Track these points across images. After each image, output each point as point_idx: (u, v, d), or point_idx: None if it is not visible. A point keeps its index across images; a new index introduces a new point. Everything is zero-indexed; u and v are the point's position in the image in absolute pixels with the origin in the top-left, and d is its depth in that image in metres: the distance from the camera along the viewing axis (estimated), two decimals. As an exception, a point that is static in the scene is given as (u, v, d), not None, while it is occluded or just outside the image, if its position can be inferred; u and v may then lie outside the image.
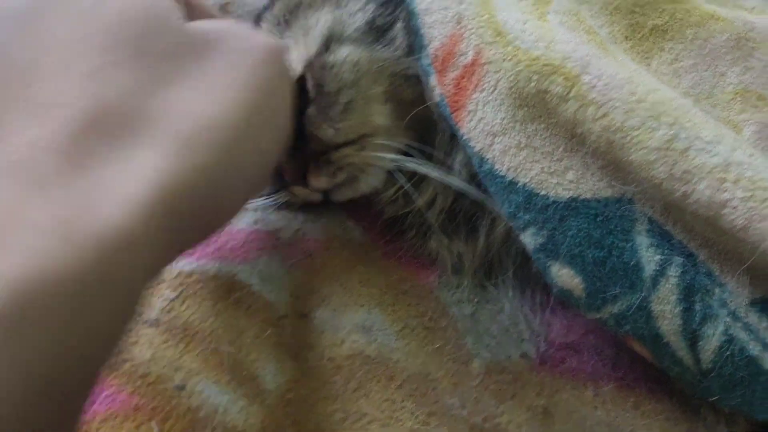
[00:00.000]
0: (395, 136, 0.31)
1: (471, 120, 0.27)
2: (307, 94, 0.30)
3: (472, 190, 0.29)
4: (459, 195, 0.31)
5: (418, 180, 0.31)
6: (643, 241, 0.24)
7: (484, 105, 0.26)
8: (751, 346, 0.23)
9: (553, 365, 0.29)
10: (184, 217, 0.17)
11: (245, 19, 0.36)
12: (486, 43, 0.26)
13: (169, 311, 0.26)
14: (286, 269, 0.30)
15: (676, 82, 0.27)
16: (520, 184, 0.26)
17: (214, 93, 0.19)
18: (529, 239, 0.26)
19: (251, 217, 0.32)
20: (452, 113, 0.28)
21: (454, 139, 0.30)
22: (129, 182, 0.16)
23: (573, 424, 0.27)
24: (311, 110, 0.30)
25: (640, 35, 0.28)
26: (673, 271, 0.24)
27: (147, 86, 0.18)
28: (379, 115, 0.31)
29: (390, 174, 0.32)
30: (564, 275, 0.25)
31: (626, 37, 0.28)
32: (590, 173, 0.24)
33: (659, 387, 0.28)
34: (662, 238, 0.24)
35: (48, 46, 0.18)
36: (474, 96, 0.27)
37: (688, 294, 0.24)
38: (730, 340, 0.23)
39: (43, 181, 0.15)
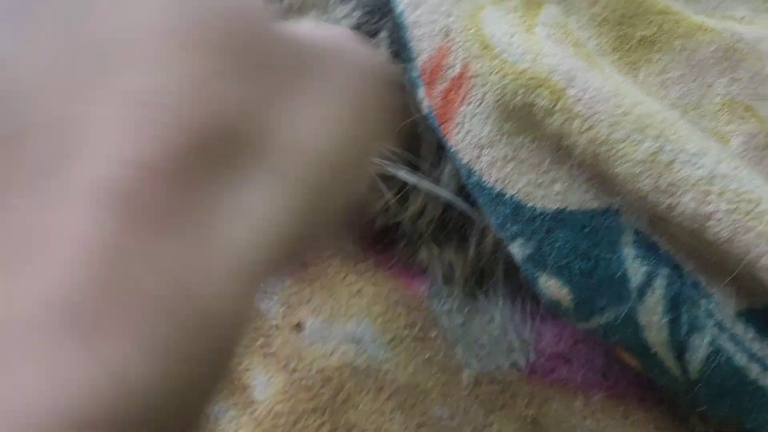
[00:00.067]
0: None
1: (459, 132, 0.27)
2: None
3: (459, 202, 0.30)
4: (449, 205, 0.31)
5: (407, 190, 0.31)
6: (629, 252, 0.24)
7: (471, 118, 0.26)
8: (737, 357, 0.23)
9: (543, 375, 0.29)
10: (281, 267, 0.14)
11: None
12: (473, 56, 0.26)
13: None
14: (278, 279, 0.30)
15: (664, 93, 0.27)
16: (507, 195, 0.26)
17: (327, 121, 0.15)
18: (517, 250, 0.26)
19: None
20: (440, 125, 0.28)
21: (441, 150, 0.30)
22: (241, 233, 0.12)
23: (562, 434, 0.27)
24: None
25: (627, 46, 0.28)
26: (660, 283, 0.24)
27: (259, 104, 0.14)
28: None
29: (380, 182, 0.32)
30: (552, 286, 0.25)
31: (614, 49, 0.28)
32: (577, 185, 0.25)
33: (649, 396, 0.29)
34: (649, 249, 0.24)
35: (125, 27, 0.13)
36: (461, 109, 0.27)
37: (674, 305, 0.24)
38: (716, 350, 0.24)
39: (152, 219, 0.11)
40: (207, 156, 0.12)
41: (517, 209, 0.25)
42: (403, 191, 0.31)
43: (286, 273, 0.17)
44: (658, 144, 0.23)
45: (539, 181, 0.25)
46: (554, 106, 0.24)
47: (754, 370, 0.23)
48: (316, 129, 0.15)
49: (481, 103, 0.26)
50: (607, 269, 0.24)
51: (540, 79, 0.24)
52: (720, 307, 0.23)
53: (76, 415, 0.09)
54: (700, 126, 0.25)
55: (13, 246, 0.10)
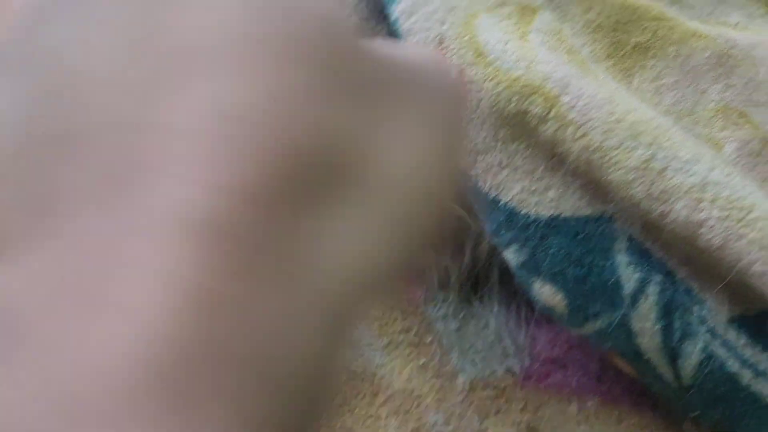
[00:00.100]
0: None
1: (453, 139, 0.27)
2: None
3: (455, 208, 0.30)
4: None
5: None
6: (622, 259, 0.24)
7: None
8: (730, 363, 0.23)
9: (537, 380, 0.29)
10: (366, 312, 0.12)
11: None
12: (467, 63, 0.26)
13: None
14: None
15: (658, 100, 0.27)
16: (502, 202, 0.26)
17: (419, 149, 0.13)
18: (511, 256, 0.26)
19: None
20: (435, 132, 0.28)
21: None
22: (338, 276, 0.10)
23: (557, 440, 0.27)
24: None
25: (622, 53, 0.28)
26: (653, 289, 0.24)
27: (356, 128, 0.12)
28: None
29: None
30: (546, 292, 0.26)
31: (608, 55, 0.28)
32: (570, 192, 0.25)
33: (643, 402, 0.29)
34: (642, 256, 0.24)
35: (206, 29, 0.11)
36: (456, 116, 0.27)
37: (667, 311, 0.24)
38: (709, 356, 0.24)
39: (248, 259, 0.09)
40: (307, 185, 0.10)
41: (511, 216, 0.26)
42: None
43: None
44: (650, 151, 0.23)
45: (533, 188, 0.25)
46: (548, 113, 0.24)
47: (747, 376, 0.24)
48: (410, 158, 0.13)
49: (475, 110, 0.26)
50: (600, 276, 0.24)
51: (534, 87, 0.24)
52: (712, 313, 0.24)
53: None
54: (694, 132, 0.26)
55: (87, 279, 0.08)
